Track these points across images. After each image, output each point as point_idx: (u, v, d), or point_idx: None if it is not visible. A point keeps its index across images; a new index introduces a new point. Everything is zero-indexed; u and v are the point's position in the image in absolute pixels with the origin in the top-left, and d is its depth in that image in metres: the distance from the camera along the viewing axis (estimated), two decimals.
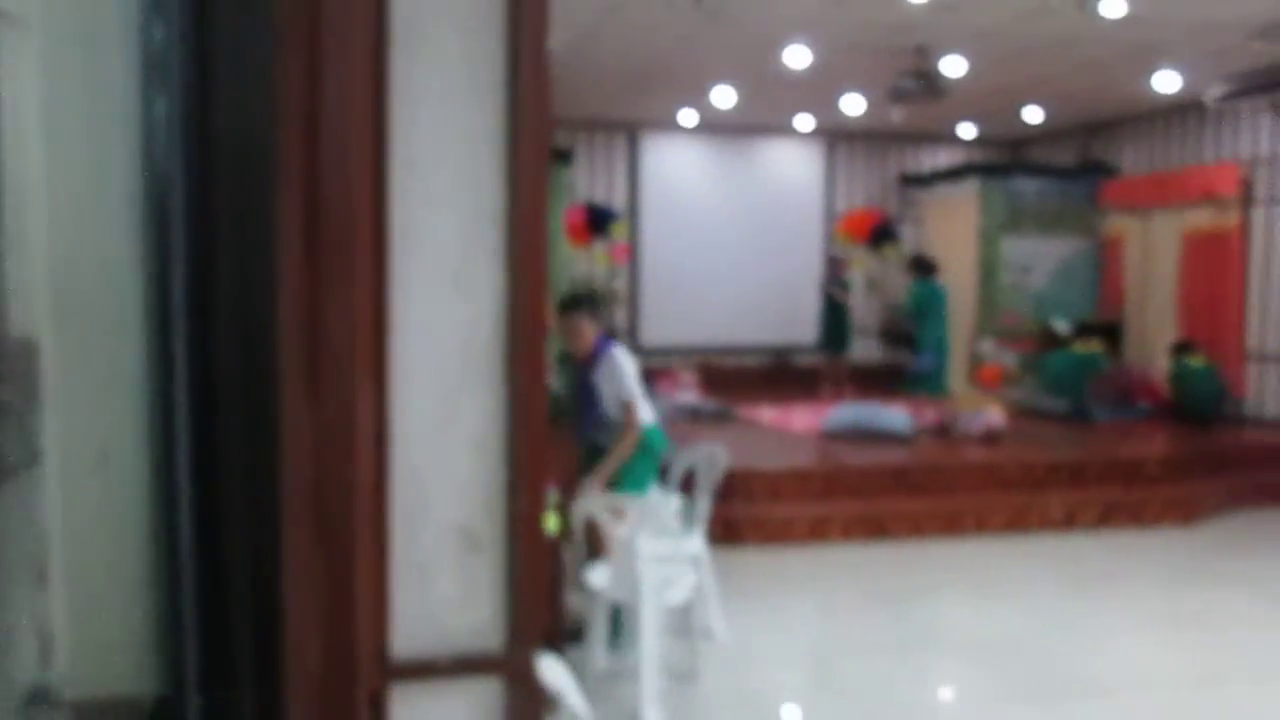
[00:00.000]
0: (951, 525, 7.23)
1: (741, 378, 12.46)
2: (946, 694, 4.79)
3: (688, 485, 5.39)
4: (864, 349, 12.79)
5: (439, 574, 1.73)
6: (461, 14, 1.77)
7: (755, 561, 6.47)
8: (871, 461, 7.81)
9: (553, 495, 4.28)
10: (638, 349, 11.03)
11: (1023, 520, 7.35)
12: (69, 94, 1.45)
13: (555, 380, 7.17)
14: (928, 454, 8.21)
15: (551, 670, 1.99)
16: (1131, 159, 11.64)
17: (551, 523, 4.13)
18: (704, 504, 5.23)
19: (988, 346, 11.40)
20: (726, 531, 6.51)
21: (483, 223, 1.76)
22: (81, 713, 1.29)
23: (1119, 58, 8.38)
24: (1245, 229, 9.96)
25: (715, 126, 12.34)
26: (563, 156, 11.23)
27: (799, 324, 12.72)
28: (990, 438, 8.61)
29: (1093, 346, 10.56)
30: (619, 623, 4.73)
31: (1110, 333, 11.02)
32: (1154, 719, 4.39)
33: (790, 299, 12.87)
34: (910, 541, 7.06)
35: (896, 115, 9.85)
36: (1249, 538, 7.36)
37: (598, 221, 12.06)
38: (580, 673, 4.21)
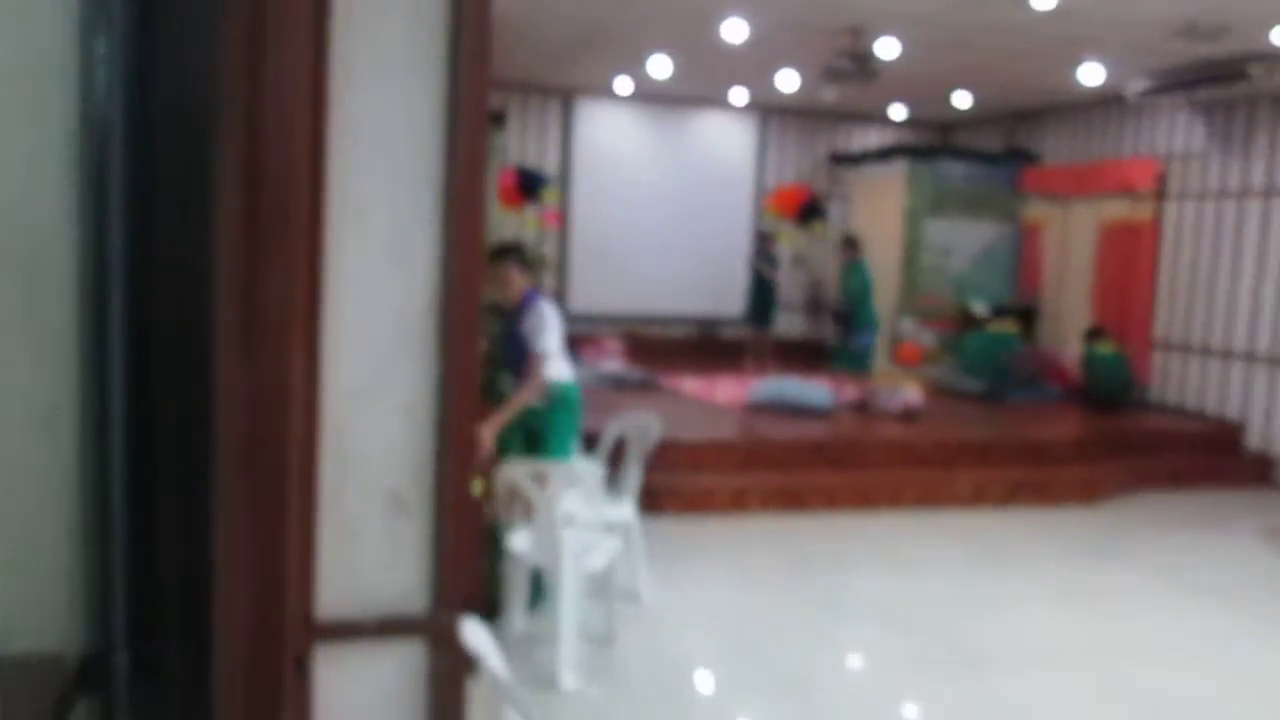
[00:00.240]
0: (866, 499, 7.42)
1: (667, 348, 12.55)
2: (856, 660, 4.95)
3: (618, 454, 5.46)
4: (789, 324, 12.95)
5: (366, 537, 1.75)
6: None
7: (675, 530, 6.57)
8: (792, 435, 7.96)
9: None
10: (565, 315, 11.03)
11: (933, 496, 7.58)
12: (1, 39, 1.42)
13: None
14: (846, 429, 8.39)
15: (473, 633, 2.03)
16: (1054, 148, 11.94)
17: (476, 487, 4.16)
18: (635, 473, 5.31)
19: (908, 325, 11.65)
20: (647, 500, 6.59)
21: (420, 192, 1.78)
22: (6, 669, 1.29)
23: (1047, 49, 8.57)
24: (1158, 222, 10.30)
25: (650, 96, 12.33)
26: (496, 119, 11.12)
27: (726, 296, 12.84)
28: (908, 415, 8.82)
29: (1008, 328, 10.87)
30: (539, 586, 4.79)
31: (1026, 316, 11.34)
32: (1052, 689, 4.59)
33: (718, 271, 12.97)
34: (826, 514, 7.23)
35: (829, 94, 9.95)
36: (1148, 518, 7.68)
37: (529, 186, 12.00)
38: (499, 635, 4.26)
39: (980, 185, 12.03)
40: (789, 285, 12.94)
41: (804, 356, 12.41)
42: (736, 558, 6.31)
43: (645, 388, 9.87)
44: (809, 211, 13.20)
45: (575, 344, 9.68)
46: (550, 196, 12.30)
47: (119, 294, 1.31)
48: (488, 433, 4.62)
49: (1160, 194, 10.27)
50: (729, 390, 9.80)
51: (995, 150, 12.53)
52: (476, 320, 1.86)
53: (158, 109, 1.40)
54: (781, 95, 11.40)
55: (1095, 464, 8.37)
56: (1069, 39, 8.13)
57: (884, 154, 12.59)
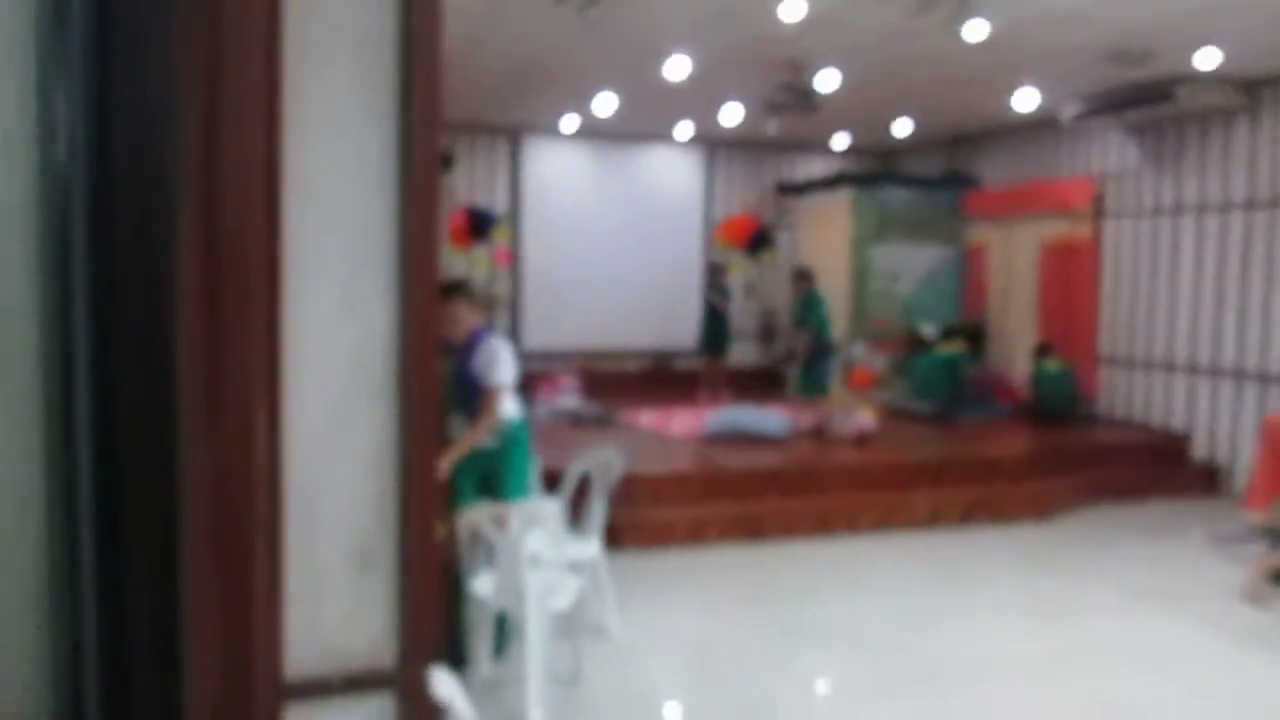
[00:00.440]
0: (824, 524, 7.48)
1: (622, 381, 12.59)
2: (822, 686, 4.98)
3: (580, 491, 5.48)
4: (742, 353, 13.06)
5: (333, 593, 1.76)
6: (356, 37, 1.80)
7: (636, 564, 6.58)
8: (748, 464, 8.01)
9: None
10: (520, 353, 11.03)
11: (891, 518, 7.66)
12: None
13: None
14: (802, 456, 8.46)
15: (442, 683, 2.03)
16: (993, 171, 12.20)
17: (439, 530, 4.14)
18: (599, 509, 5.32)
19: (859, 350, 11.79)
20: (608, 535, 6.59)
21: (374, 246, 1.80)
22: None
23: (982, 76, 8.79)
24: (1097, 240, 10.56)
25: (597, 132, 12.44)
26: (444, 160, 11.15)
27: (679, 328, 12.92)
28: (862, 439, 8.92)
29: (956, 349, 11.05)
30: (504, 629, 4.77)
31: (973, 336, 11.54)
32: (1012, 703, 4.65)
33: (670, 303, 13.07)
34: (785, 541, 7.28)
35: (772, 127, 10.12)
36: (1098, 531, 7.82)
37: (479, 225, 12.04)
38: (467, 681, 4.24)
39: (923, 210, 12.27)
40: (741, 314, 13.06)
41: (758, 385, 12.52)
42: (699, 589, 6.33)
43: (602, 422, 9.89)
44: (758, 241, 13.36)
45: (531, 381, 9.69)
46: (501, 235, 12.34)
47: (84, 362, 1.32)
48: (442, 465, 4.61)
49: (1098, 213, 10.54)
50: (685, 421, 9.85)
51: (936, 175, 12.78)
52: (434, 369, 1.88)
53: (118, 173, 1.41)
54: (726, 128, 11.56)
55: (1047, 479, 8.51)
56: (1003, 66, 8.35)
57: (829, 182, 12.79)
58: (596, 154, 12.89)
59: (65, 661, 1.32)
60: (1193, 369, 9.55)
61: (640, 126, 12.05)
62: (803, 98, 8.57)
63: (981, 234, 12.10)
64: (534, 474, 5.54)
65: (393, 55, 1.79)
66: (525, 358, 5.44)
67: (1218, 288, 9.27)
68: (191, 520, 1.33)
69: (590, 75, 9.20)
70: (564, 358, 12.38)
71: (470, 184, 12.40)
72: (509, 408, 4.96)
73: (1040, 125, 11.02)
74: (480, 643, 4.59)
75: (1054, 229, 10.93)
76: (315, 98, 1.73)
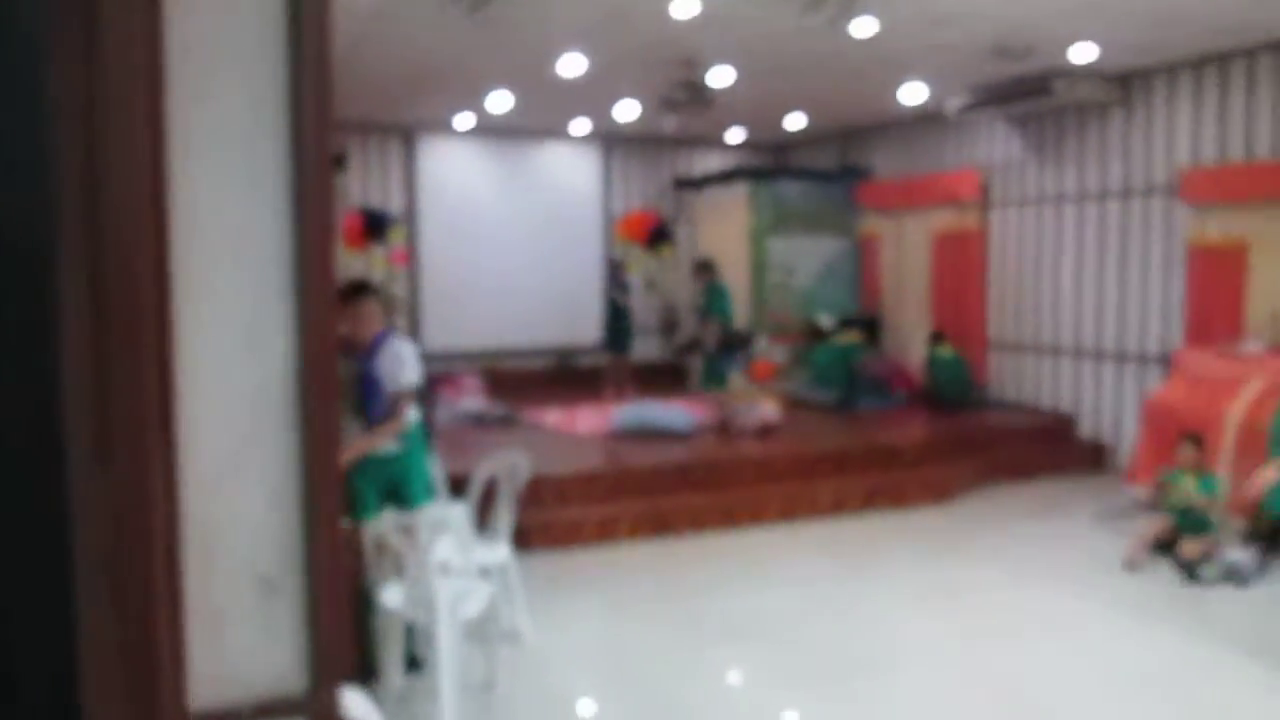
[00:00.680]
0: (731, 518, 7.58)
1: (526, 380, 12.54)
2: (734, 679, 5.05)
3: (487, 495, 5.44)
4: (645, 348, 13.12)
5: (237, 622, 1.73)
6: (242, 53, 1.76)
7: (546, 565, 6.57)
8: (655, 460, 8.06)
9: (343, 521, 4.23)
10: (421, 355, 10.90)
11: (795, 509, 7.80)
12: None
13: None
14: (708, 450, 8.55)
15: (354, 704, 2.02)
16: (884, 163, 12.49)
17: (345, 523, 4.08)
18: (507, 513, 5.30)
19: (760, 342, 11.95)
20: (516, 537, 6.57)
21: (268, 270, 1.77)
22: None
23: (871, 72, 8.98)
24: (984, 230, 10.90)
25: (492, 130, 12.35)
26: (337, 160, 10.93)
27: (582, 325, 12.93)
28: (766, 431, 9.05)
29: (853, 339, 11.29)
30: (413, 640, 4.72)
31: (870, 326, 11.80)
32: (916, 685, 4.79)
33: (572, 300, 13.06)
34: (693, 535, 7.36)
35: (668, 123, 10.18)
36: (993, 511, 8.10)
37: (374, 226, 11.85)
38: (378, 696, 4.19)
39: (818, 202, 12.49)
40: (643, 310, 13.11)
41: (662, 380, 12.60)
42: (609, 588, 6.35)
43: (507, 423, 9.84)
44: (657, 236, 13.43)
45: (433, 383, 9.57)
46: (397, 236, 12.16)
47: None
48: (345, 457, 4.55)
49: (984, 203, 10.87)
50: (590, 419, 9.86)
51: (830, 168, 13.02)
52: (336, 392, 1.86)
53: None
54: (623, 124, 11.59)
55: (943, 464, 8.77)
56: (891, 62, 8.55)
57: (725, 177, 12.93)
58: (493, 151, 12.80)
59: None
60: (1077, 352, 9.94)
61: (536, 123, 12.00)
62: (697, 94, 8.65)
63: (874, 225, 12.38)
64: (437, 478, 5.50)
65: (282, 71, 1.75)
66: (426, 359, 5.37)
67: (1098, 273, 9.66)
68: (86, 561, 1.29)
69: (484, 73, 9.12)
70: (466, 359, 12.27)
71: (364, 184, 12.19)
72: (411, 412, 4.91)
73: (928, 118, 11.32)
74: (391, 656, 4.53)
75: (943, 219, 11.24)
76: (202, 115, 1.69)
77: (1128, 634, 5.46)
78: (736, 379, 10.15)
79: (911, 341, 11.62)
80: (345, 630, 1.93)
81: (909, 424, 9.89)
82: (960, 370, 10.56)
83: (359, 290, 4.94)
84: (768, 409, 9.23)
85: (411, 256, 12.41)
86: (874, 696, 4.69)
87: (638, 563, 6.81)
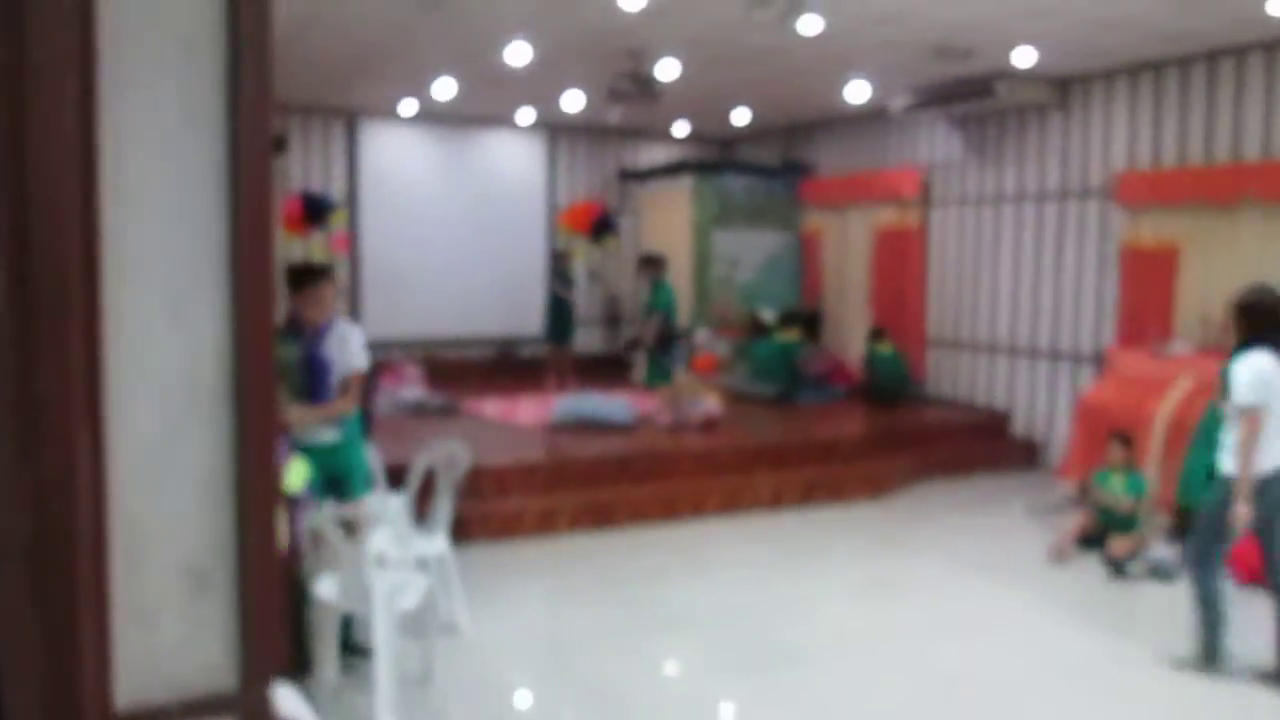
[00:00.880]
0: (671, 510, 7.60)
1: (466, 370, 12.44)
2: (672, 669, 5.07)
3: (428, 485, 5.39)
4: (588, 339, 13.08)
5: (166, 616, 1.68)
6: (178, 33, 1.71)
7: (485, 557, 6.53)
8: (596, 452, 8.05)
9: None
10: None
11: (735, 501, 7.85)
12: None
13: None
14: (649, 443, 8.55)
15: (287, 700, 1.98)
16: (828, 160, 12.58)
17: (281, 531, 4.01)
18: (445, 504, 5.25)
19: (703, 335, 11.99)
20: (455, 528, 6.51)
21: (202, 252, 1.72)
22: None
23: (816, 69, 9.03)
24: (925, 228, 11.03)
25: (436, 116, 12.21)
26: (277, 143, 10.71)
27: (523, 315, 12.85)
28: (708, 424, 9.07)
29: (793, 334, 11.36)
30: (349, 633, 4.66)
31: (811, 321, 11.88)
32: (852, 676, 4.85)
33: (514, 290, 12.97)
34: (634, 527, 7.36)
35: (614, 116, 10.15)
36: (928, 507, 8.21)
37: (315, 211, 11.64)
38: (313, 689, 4.13)
39: (761, 197, 12.55)
40: (586, 301, 13.07)
41: (604, 372, 12.57)
42: (549, 579, 6.33)
43: (446, 413, 9.75)
44: (601, 227, 13.38)
45: (373, 371, 9.45)
46: (337, 221, 11.97)
47: None
48: (297, 416, 4.52)
49: (925, 201, 11.01)
50: (531, 410, 9.81)
51: (774, 163, 13.08)
52: (271, 379, 1.82)
53: None
54: (568, 114, 11.53)
55: (880, 459, 8.87)
56: (835, 59, 8.60)
57: (670, 169, 12.93)
58: (436, 138, 12.66)
59: None
60: (1013, 350, 10.11)
61: (481, 110, 11.89)
62: (643, 86, 8.62)
63: (817, 221, 12.47)
64: (376, 468, 5.43)
65: (219, 52, 1.71)
66: (367, 347, 5.31)
67: (1035, 273, 9.83)
68: (6, 551, 1.25)
69: (429, 59, 9.01)
70: (406, 347, 12.13)
71: (305, 168, 11.99)
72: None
73: (872, 116, 11.42)
74: (326, 648, 4.47)
75: (885, 216, 11.36)
76: (135, 98, 1.64)
77: (1057, 626, 5.57)
78: (681, 374, 10.17)
79: (851, 337, 11.73)
80: (278, 625, 1.89)
81: (848, 419, 9.99)
82: (899, 366, 10.69)
83: (317, 274, 4.86)
84: (710, 402, 9.26)
85: (352, 242, 12.24)
86: (809, 685, 4.74)
87: (577, 554, 6.80)
